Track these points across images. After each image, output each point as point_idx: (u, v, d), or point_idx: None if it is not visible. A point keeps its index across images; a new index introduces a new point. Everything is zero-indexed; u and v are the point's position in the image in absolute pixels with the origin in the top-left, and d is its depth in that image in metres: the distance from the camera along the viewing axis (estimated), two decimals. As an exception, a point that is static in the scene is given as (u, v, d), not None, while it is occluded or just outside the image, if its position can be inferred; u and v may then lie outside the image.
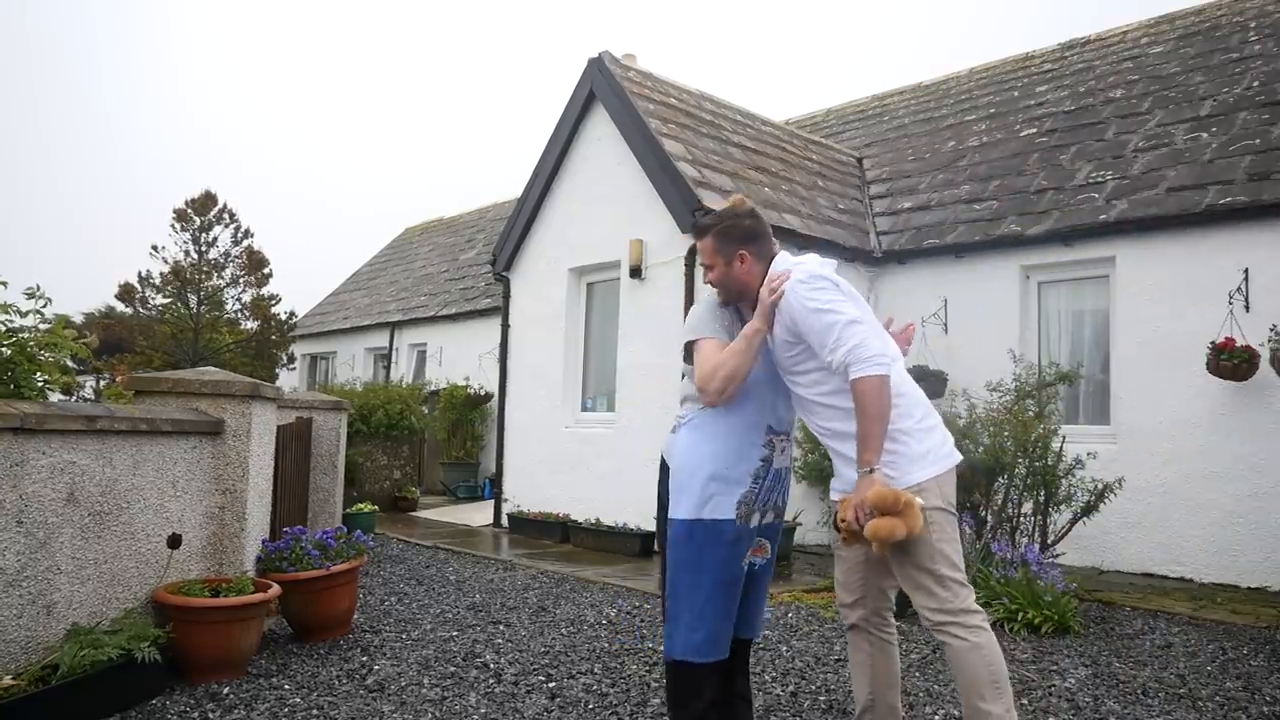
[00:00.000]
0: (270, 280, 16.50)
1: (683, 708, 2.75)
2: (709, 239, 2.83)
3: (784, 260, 2.77)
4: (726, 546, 2.71)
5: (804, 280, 2.61)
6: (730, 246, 2.80)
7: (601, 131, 8.53)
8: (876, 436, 2.46)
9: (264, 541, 4.46)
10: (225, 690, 3.50)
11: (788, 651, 4.34)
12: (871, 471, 2.46)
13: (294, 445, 5.64)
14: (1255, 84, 7.91)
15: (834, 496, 2.78)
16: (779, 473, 2.86)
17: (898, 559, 2.57)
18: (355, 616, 4.73)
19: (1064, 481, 5.63)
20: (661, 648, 4.33)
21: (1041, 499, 5.70)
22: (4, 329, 3.67)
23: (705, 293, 3.06)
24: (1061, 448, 5.69)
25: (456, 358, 12.84)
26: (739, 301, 2.86)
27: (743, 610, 2.86)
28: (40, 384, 3.77)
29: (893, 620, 2.86)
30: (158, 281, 15.79)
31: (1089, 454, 5.83)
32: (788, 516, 7.00)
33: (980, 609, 2.57)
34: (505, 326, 9.55)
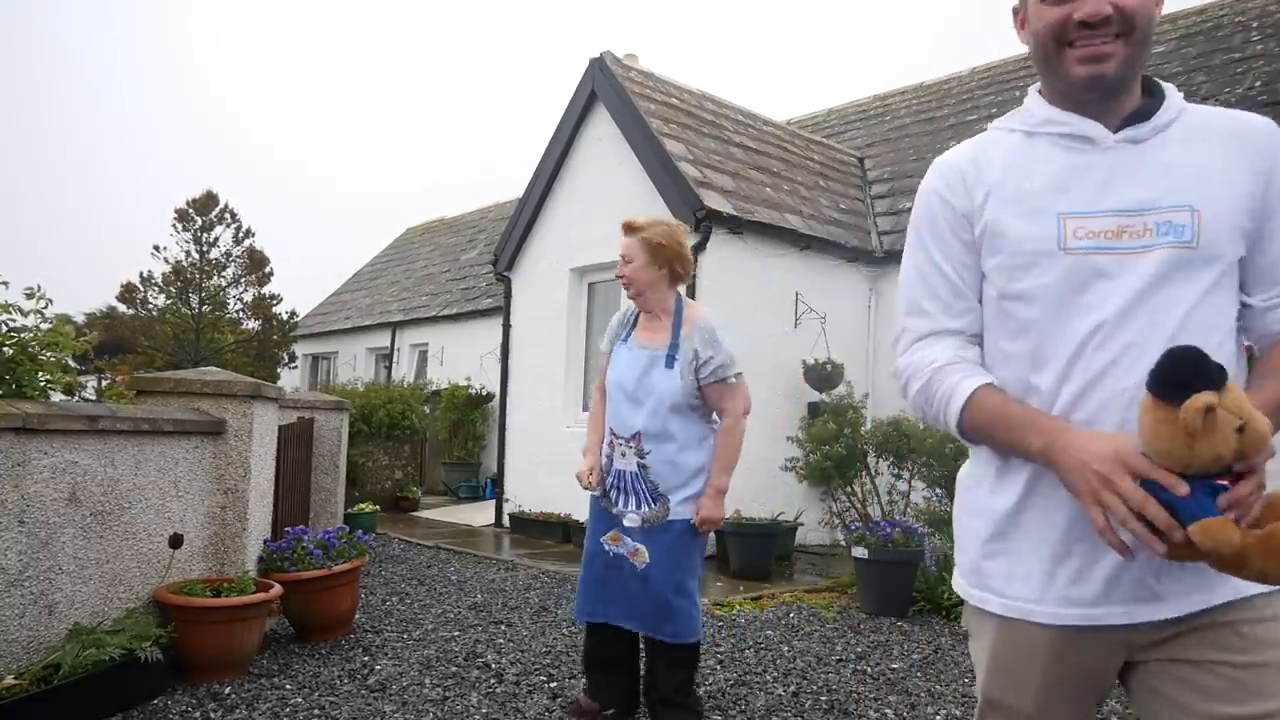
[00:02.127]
0: (271, 280, 16.57)
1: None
2: None
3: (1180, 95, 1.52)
4: (591, 520, 3.25)
5: None
6: None
7: (603, 131, 8.53)
8: None
9: (265, 541, 4.46)
10: (227, 690, 3.51)
11: (789, 651, 4.34)
12: None
13: (295, 445, 5.65)
14: (1257, 84, 7.90)
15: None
16: (623, 474, 3.11)
17: None
18: (357, 616, 4.73)
19: (1066, 482, 5.63)
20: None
21: (1043, 499, 5.70)
22: (5, 329, 3.68)
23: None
24: (1063, 448, 5.68)
25: (458, 358, 12.84)
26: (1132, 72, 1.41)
27: (630, 603, 3.10)
28: (42, 384, 3.77)
29: None
30: (159, 281, 15.84)
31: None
32: (789, 516, 7.08)
33: None
34: (506, 326, 9.55)
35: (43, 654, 3.18)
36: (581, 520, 7.96)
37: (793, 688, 3.76)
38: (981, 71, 11.86)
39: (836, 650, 4.38)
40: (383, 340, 15.02)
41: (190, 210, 15.87)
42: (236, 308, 16.48)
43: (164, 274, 15.76)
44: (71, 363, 4.10)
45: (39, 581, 3.20)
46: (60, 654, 3.13)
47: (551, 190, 9.06)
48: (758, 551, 6.37)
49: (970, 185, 1.46)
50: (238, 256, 16.24)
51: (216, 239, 16.07)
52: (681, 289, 3.30)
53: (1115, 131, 1.39)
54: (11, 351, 3.64)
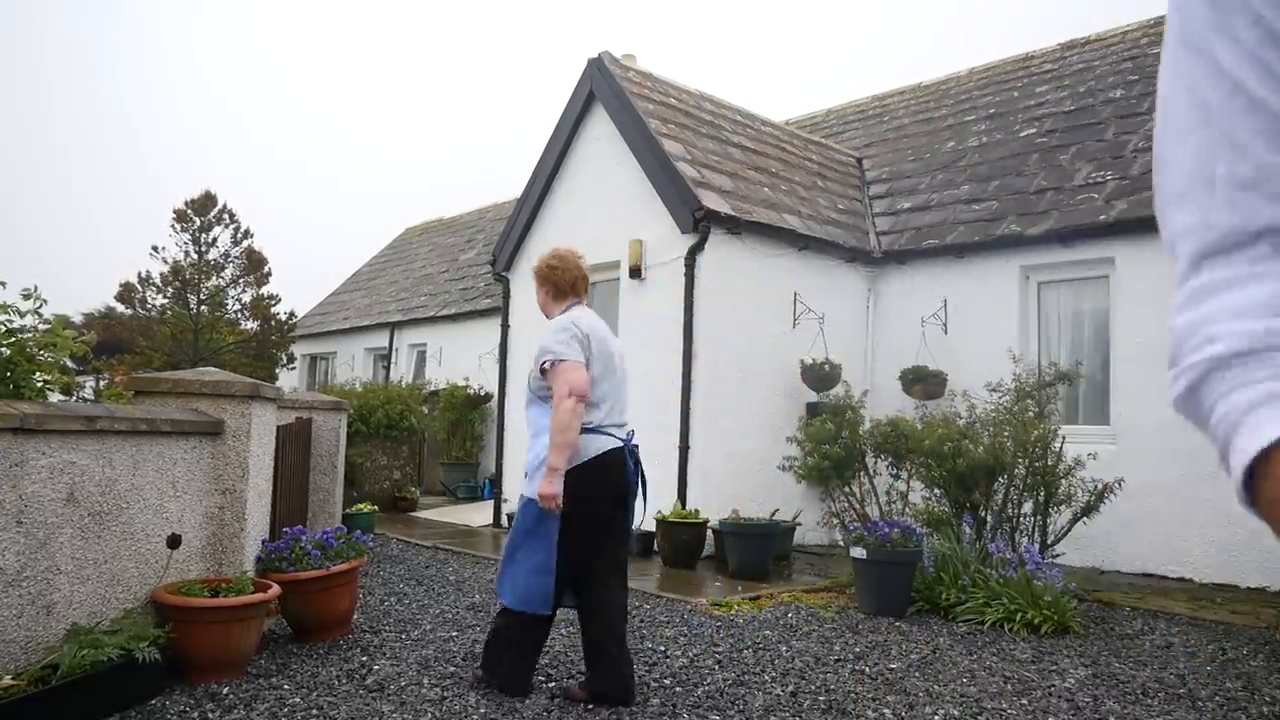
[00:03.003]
0: (270, 280, 16.52)
1: None
2: None
3: None
4: None
5: None
6: None
7: (601, 132, 8.53)
8: None
9: (264, 541, 4.46)
10: (225, 690, 3.50)
11: (787, 651, 4.34)
12: None
13: (294, 445, 5.64)
14: (1255, 84, 7.90)
15: None
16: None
17: None
18: (355, 617, 4.72)
19: (1064, 482, 5.63)
20: (660, 648, 4.34)
21: (1041, 499, 5.71)
22: (3, 329, 3.67)
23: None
24: (1061, 448, 5.68)
25: (456, 358, 12.84)
26: None
27: None
28: (40, 384, 3.77)
29: None
30: (158, 282, 15.81)
31: (1089, 454, 5.82)
32: (787, 516, 7.09)
33: None
34: (505, 327, 9.55)
35: (41, 654, 3.17)
36: (580, 520, 7.97)
37: (791, 687, 3.76)
38: (980, 72, 11.87)
39: (835, 650, 4.38)
40: (381, 340, 15.02)
41: (189, 211, 15.85)
42: (235, 308, 16.46)
43: (162, 274, 15.74)
44: (69, 363, 4.09)
45: (37, 582, 3.19)
46: (58, 654, 3.13)
47: (550, 190, 9.07)
48: (756, 551, 6.37)
49: None
50: (236, 257, 16.22)
51: (215, 239, 16.05)
52: (581, 301, 3.74)
53: None
54: (9, 352, 3.64)
